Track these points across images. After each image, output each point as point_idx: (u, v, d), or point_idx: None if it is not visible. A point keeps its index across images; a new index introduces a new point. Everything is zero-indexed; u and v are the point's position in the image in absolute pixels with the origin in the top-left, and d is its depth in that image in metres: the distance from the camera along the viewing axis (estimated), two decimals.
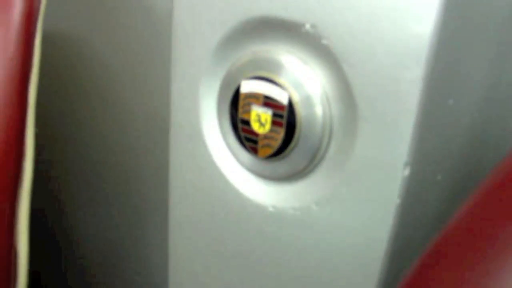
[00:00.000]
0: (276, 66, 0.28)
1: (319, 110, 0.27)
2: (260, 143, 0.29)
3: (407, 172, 0.25)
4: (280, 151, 0.28)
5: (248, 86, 0.29)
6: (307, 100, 0.27)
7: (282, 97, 0.28)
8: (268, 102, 0.28)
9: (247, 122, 0.29)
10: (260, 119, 0.29)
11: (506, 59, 0.29)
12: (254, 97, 0.29)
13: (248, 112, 0.29)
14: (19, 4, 0.34)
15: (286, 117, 0.28)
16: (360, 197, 0.27)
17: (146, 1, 0.51)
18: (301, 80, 0.27)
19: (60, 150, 0.67)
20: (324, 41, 0.26)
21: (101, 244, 0.73)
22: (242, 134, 0.30)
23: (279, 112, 0.28)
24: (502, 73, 0.30)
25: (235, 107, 0.30)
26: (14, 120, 0.32)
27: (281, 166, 0.29)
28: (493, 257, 0.16)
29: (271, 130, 0.28)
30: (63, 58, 0.60)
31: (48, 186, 0.69)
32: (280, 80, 0.28)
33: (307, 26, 0.26)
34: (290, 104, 0.27)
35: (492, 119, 0.30)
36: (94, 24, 0.56)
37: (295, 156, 0.28)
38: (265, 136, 0.29)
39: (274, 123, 0.28)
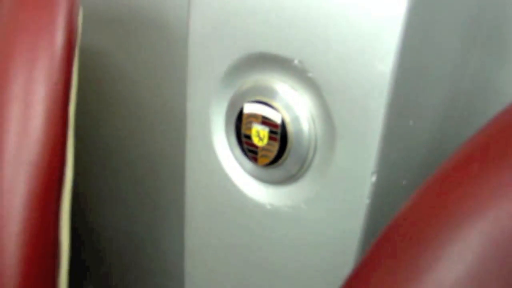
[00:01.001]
0: (272, 93, 0.35)
1: (306, 128, 0.34)
2: (260, 153, 0.36)
3: (374, 178, 0.32)
4: (275, 161, 0.35)
5: (249, 108, 0.35)
6: (296, 120, 0.34)
7: (276, 118, 0.34)
8: (265, 121, 0.35)
9: (249, 137, 0.36)
10: (259, 134, 0.35)
11: (460, 87, 0.36)
12: (254, 117, 0.35)
13: (250, 128, 0.36)
14: (61, 37, 0.41)
15: (280, 134, 0.34)
16: (338, 198, 0.33)
17: (164, 25, 0.58)
18: (292, 104, 0.34)
19: (86, 154, 0.74)
20: (310, 74, 0.33)
21: (120, 236, 0.81)
22: (245, 146, 0.37)
23: (274, 129, 0.35)
24: (456, 98, 0.36)
25: (239, 124, 0.36)
26: (59, 135, 0.39)
27: (276, 172, 0.36)
28: (423, 258, 0.22)
29: (268, 144, 0.35)
30: (89, 72, 0.67)
31: (75, 186, 0.76)
32: (275, 103, 0.34)
33: (296, 61, 0.33)
34: (283, 123, 0.34)
35: (449, 134, 0.37)
36: (119, 43, 0.63)
37: (287, 165, 0.35)
38: (263, 148, 0.36)
39: (270, 138, 0.35)
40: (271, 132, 0.35)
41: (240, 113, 0.36)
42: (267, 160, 0.36)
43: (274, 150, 0.35)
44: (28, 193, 0.39)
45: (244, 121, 0.36)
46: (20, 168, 0.39)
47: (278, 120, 0.34)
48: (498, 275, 0.20)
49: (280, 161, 0.35)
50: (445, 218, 0.22)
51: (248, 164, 0.37)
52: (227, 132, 0.38)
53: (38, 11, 0.41)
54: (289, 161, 0.35)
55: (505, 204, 0.21)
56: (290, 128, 0.34)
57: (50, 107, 0.39)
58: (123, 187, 0.75)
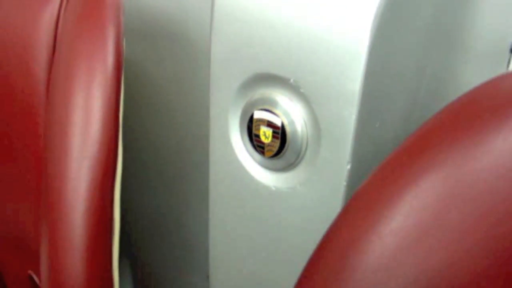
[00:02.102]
0: (274, 103, 0.46)
1: (299, 130, 0.45)
2: (266, 148, 0.48)
3: (349, 166, 0.43)
4: (277, 153, 0.47)
5: (258, 114, 0.47)
6: (292, 124, 0.45)
7: (278, 121, 0.46)
8: (270, 124, 0.46)
9: (258, 136, 0.48)
10: (265, 134, 0.47)
11: (417, 96, 0.47)
12: (261, 121, 0.47)
13: (258, 129, 0.47)
14: (111, 61, 0.52)
15: (280, 133, 0.46)
16: (323, 181, 0.45)
17: (188, 42, 0.70)
18: (289, 112, 0.45)
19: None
20: (302, 90, 0.44)
21: (153, 216, 0.93)
22: (255, 142, 0.48)
23: (276, 130, 0.46)
24: (414, 104, 0.47)
25: (251, 126, 0.48)
26: (112, 136, 0.51)
27: (278, 162, 0.48)
28: (371, 218, 0.34)
29: (272, 141, 0.47)
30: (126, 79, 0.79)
31: None
32: (277, 111, 0.46)
33: (292, 80, 0.44)
34: (283, 125, 0.46)
35: (409, 132, 0.48)
36: (152, 56, 0.75)
37: (286, 157, 0.47)
38: (268, 144, 0.47)
39: (273, 136, 0.47)
40: (274, 132, 0.46)
41: (251, 118, 0.48)
42: (271, 153, 0.47)
43: (276, 146, 0.47)
44: (90, 180, 0.52)
45: (254, 124, 0.48)
46: (83, 162, 0.52)
47: (279, 123, 0.46)
48: (418, 226, 0.32)
49: (281, 154, 0.47)
50: (384, 193, 0.33)
51: (257, 156, 0.49)
52: (241, 131, 0.50)
53: (93, 41, 0.53)
54: (288, 154, 0.47)
55: (423, 183, 0.32)
56: (288, 129, 0.46)
57: (105, 115, 0.51)
58: (157, 175, 0.88)
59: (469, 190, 0.31)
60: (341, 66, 0.41)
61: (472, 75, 0.48)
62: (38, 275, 0.68)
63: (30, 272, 0.71)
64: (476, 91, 0.35)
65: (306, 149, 0.46)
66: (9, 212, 0.67)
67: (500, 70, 0.48)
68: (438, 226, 0.32)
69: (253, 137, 0.48)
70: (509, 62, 0.47)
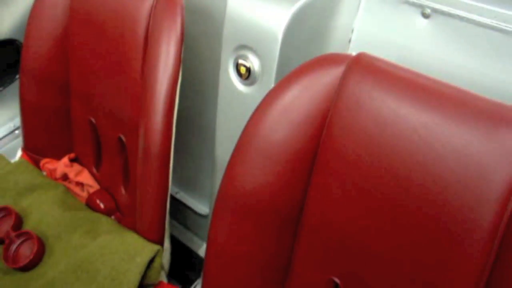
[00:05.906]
0: (246, 57, 1.10)
1: (256, 69, 1.10)
2: (243, 76, 1.12)
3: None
4: (247, 78, 1.11)
5: (240, 61, 1.11)
6: (253, 66, 1.09)
7: (248, 65, 1.10)
8: (244, 66, 1.11)
9: (240, 70, 1.13)
10: (242, 70, 1.12)
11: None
12: (242, 64, 1.11)
13: (239, 68, 1.12)
14: (179, 32, 1.17)
15: (249, 70, 1.11)
16: (265, 89, 1.09)
17: (213, 20, 1.34)
18: (252, 61, 1.09)
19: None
20: (258, 52, 1.08)
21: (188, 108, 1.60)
22: (239, 73, 1.13)
23: (248, 68, 1.11)
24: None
25: (237, 66, 1.13)
26: (178, 63, 1.17)
27: (248, 81, 1.12)
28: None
29: (245, 73, 1.11)
30: None
31: None
32: (248, 60, 1.10)
33: (253, 48, 1.08)
34: (250, 67, 1.10)
35: None
36: (189, 26, 1.40)
37: (251, 80, 1.11)
38: (244, 74, 1.12)
39: (246, 71, 1.11)
40: (246, 70, 1.11)
41: (237, 63, 1.13)
42: (245, 77, 1.12)
43: (247, 75, 1.11)
44: (167, 85, 1.16)
45: (238, 65, 1.13)
46: (164, 76, 1.16)
47: (248, 66, 1.11)
48: (276, 112, 0.97)
49: (248, 78, 1.12)
50: (272, 96, 0.98)
51: (239, 79, 1.14)
52: (233, 68, 1.14)
53: (170, 23, 1.17)
54: (251, 78, 1.11)
55: (280, 98, 0.97)
56: (251, 68, 1.10)
57: (175, 56, 1.15)
58: (192, 87, 1.54)
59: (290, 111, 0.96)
60: (270, 43, 1.05)
61: None
62: (126, 137, 1.34)
63: (120, 135, 1.36)
64: (315, 59, 0.99)
65: (258, 76, 1.11)
66: (116, 101, 1.33)
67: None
68: (278, 119, 0.96)
69: (238, 71, 1.13)
70: (348, 49, 1.10)
